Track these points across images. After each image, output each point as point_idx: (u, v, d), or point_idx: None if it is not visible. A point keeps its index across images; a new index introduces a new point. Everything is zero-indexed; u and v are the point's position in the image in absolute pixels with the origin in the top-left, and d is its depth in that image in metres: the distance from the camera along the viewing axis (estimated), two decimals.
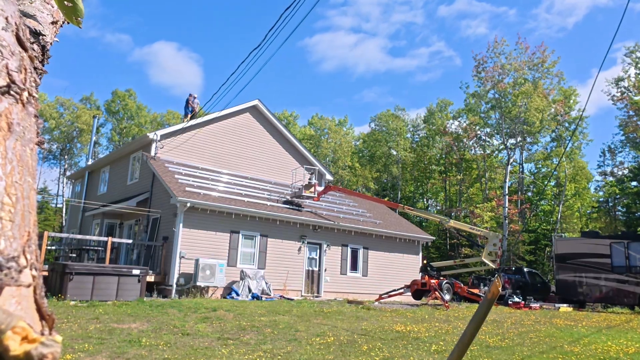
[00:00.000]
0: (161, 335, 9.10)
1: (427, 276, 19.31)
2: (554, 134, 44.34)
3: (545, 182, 42.65)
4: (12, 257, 0.63)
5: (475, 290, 21.40)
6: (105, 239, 17.56)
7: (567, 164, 42.39)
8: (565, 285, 23.30)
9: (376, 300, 18.56)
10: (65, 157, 54.08)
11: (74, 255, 20.00)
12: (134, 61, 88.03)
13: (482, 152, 45.67)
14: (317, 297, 19.82)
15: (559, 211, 41.74)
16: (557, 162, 43.52)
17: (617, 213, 46.18)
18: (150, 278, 16.27)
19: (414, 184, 53.88)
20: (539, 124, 39.25)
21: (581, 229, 42.86)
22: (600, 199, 47.89)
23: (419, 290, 19.42)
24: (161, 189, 18.66)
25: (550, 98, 40.21)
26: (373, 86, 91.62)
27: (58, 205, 52.44)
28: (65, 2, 1.09)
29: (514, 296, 21.38)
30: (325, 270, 20.63)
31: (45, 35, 1.05)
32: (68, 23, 1.18)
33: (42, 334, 0.61)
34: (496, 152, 46.11)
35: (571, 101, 43.38)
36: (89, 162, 28.19)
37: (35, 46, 0.97)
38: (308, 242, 20.40)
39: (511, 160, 40.99)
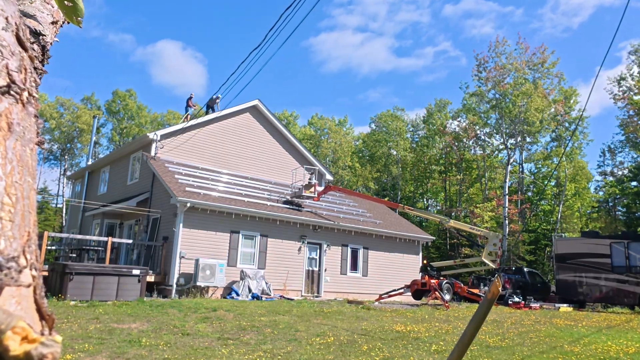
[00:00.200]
0: (161, 335, 9.10)
1: (427, 276, 19.31)
2: (554, 133, 44.35)
3: (545, 182, 42.64)
4: (12, 257, 0.63)
5: (475, 290, 21.40)
6: (105, 239, 17.56)
7: (567, 164, 42.39)
8: (565, 285, 23.30)
9: (376, 300, 18.56)
10: (66, 157, 54.09)
11: (74, 255, 20.00)
12: (137, 60, 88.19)
13: (482, 152, 45.68)
14: (317, 297, 19.82)
15: (559, 211, 41.74)
16: (557, 162, 43.52)
17: (617, 213, 46.17)
18: (150, 278, 16.27)
19: (414, 184, 53.88)
20: (539, 124, 39.27)
21: (581, 229, 42.86)
22: (600, 199, 47.90)
23: (419, 290, 19.42)
24: (161, 189, 18.66)
25: (550, 98, 40.23)
26: (378, 86, 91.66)
27: (58, 205, 52.45)
28: (66, 2, 1.09)
29: (514, 296, 21.37)
30: (325, 270, 20.63)
31: (45, 35, 1.05)
32: (68, 23, 1.18)
33: (42, 334, 0.61)
34: (496, 152, 46.13)
35: (572, 101, 43.39)
36: (89, 162, 28.19)
37: (35, 46, 0.97)
38: (308, 242, 20.40)
39: (511, 160, 40.99)
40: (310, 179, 22.32)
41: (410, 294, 19.76)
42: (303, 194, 21.35)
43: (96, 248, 19.81)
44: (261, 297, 17.35)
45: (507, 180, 40.15)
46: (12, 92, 0.74)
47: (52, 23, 1.13)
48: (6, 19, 0.79)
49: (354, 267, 21.72)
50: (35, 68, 0.88)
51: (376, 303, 17.84)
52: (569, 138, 43.36)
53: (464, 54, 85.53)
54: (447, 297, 18.72)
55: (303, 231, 20.28)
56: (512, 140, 40.99)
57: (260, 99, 23.95)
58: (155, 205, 19.08)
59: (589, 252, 22.51)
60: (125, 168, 23.22)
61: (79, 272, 13.56)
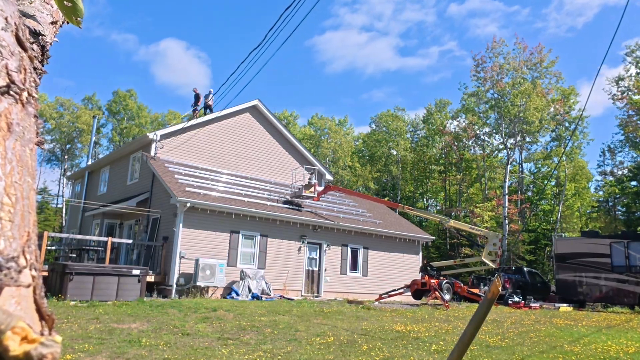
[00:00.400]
0: (161, 335, 9.10)
1: (427, 276, 19.31)
2: (553, 133, 44.38)
3: (545, 182, 42.64)
4: (12, 258, 0.63)
5: (475, 290, 21.40)
6: (105, 239, 17.56)
7: (567, 163, 42.40)
8: (565, 285, 23.30)
9: (376, 300, 18.56)
10: (66, 157, 54.09)
11: (74, 255, 19.99)
12: (140, 60, 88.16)
13: (482, 151, 45.69)
14: (317, 297, 19.82)
15: (558, 211, 41.74)
16: (557, 162, 43.52)
17: (617, 213, 46.18)
18: (150, 278, 16.27)
19: (413, 183, 53.89)
20: (539, 124, 39.27)
21: (581, 229, 42.88)
22: (600, 199, 47.91)
23: (419, 290, 19.42)
24: (161, 189, 18.66)
25: (549, 97, 40.25)
26: (383, 86, 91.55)
27: (58, 206, 52.44)
28: (65, 2, 1.09)
29: (514, 296, 21.38)
30: (325, 270, 20.63)
31: (44, 36, 1.05)
32: (68, 23, 1.18)
33: (42, 334, 0.61)
34: (496, 151, 46.14)
35: (571, 101, 43.40)
36: (89, 163, 28.19)
37: (34, 46, 0.97)
38: (308, 242, 20.40)
39: (511, 159, 41.00)
40: (310, 179, 22.32)
41: (410, 293, 19.76)
42: (303, 194, 21.35)
43: (96, 248, 19.80)
44: (261, 297, 17.35)
45: (507, 180, 40.16)
46: (11, 92, 0.74)
47: (52, 23, 1.13)
48: (6, 19, 0.79)
49: (354, 267, 21.72)
50: (34, 68, 0.88)
51: (376, 303, 17.84)
52: (569, 138, 43.38)
53: (469, 53, 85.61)
54: (447, 297, 18.72)
55: (303, 231, 20.28)
56: (511, 140, 41.01)
57: (260, 99, 23.97)
58: (155, 205, 19.08)
59: (589, 251, 22.52)
60: (125, 168, 23.22)
61: (79, 272, 13.56)
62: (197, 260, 16.51)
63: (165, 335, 9.19)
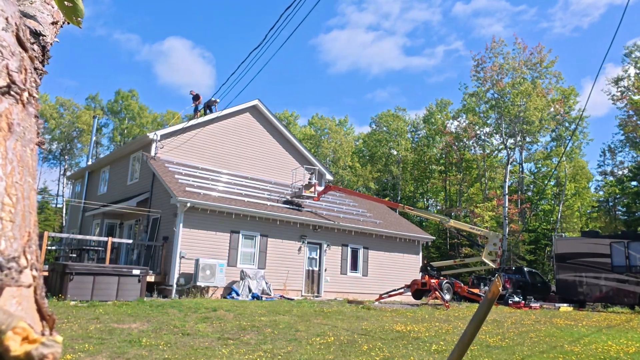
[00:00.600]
0: (161, 335, 9.10)
1: (427, 276, 19.30)
2: (554, 133, 44.38)
3: (545, 182, 42.64)
4: (13, 258, 0.63)
5: (476, 290, 21.40)
6: (105, 239, 17.56)
7: (567, 163, 42.40)
8: (566, 285, 23.30)
9: (376, 300, 18.56)
10: (66, 157, 54.11)
11: (74, 255, 20.00)
12: (142, 60, 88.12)
13: (482, 151, 45.70)
14: (317, 297, 19.82)
15: (559, 211, 41.74)
16: (557, 162, 43.53)
17: (617, 213, 46.19)
18: (151, 278, 16.27)
19: (414, 183, 53.89)
20: (539, 124, 39.27)
21: (581, 229, 42.87)
22: (600, 199, 47.91)
23: (419, 290, 19.41)
24: (161, 189, 18.66)
25: (549, 97, 40.25)
26: (387, 86, 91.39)
27: (58, 206, 52.45)
28: (66, 3, 1.09)
29: (514, 296, 21.37)
30: (325, 270, 20.63)
31: (45, 36, 1.05)
32: (68, 23, 1.18)
33: (43, 334, 0.61)
34: (496, 151, 46.15)
35: (571, 101, 43.41)
36: (89, 162, 28.19)
37: (35, 46, 0.97)
38: (308, 242, 20.40)
39: (511, 160, 41.00)
40: (310, 178, 22.32)
41: (410, 293, 19.75)
42: (303, 194, 21.35)
43: (96, 248, 19.81)
44: (261, 297, 17.35)
45: (507, 180, 40.16)
46: (12, 93, 0.74)
47: (52, 23, 1.13)
48: (6, 19, 0.80)
49: (354, 267, 21.72)
50: (35, 68, 0.88)
51: (376, 303, 17.84)
52: (569, 138, 43.37)
53: (475, 53, 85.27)
54: (447, 296, 18.71)
55: (303, 231, 20.28)
56: (511, 140, 41.01)
57: (260, 99, 23.98)
58: (155, 205, 19.08)
59: (589, 251, 22.52)
60: (125, 168, 23.22)
61: (79, 272, 13.56)
62: (197, 260, 16.51)
63: (165, 335, 9.20)
